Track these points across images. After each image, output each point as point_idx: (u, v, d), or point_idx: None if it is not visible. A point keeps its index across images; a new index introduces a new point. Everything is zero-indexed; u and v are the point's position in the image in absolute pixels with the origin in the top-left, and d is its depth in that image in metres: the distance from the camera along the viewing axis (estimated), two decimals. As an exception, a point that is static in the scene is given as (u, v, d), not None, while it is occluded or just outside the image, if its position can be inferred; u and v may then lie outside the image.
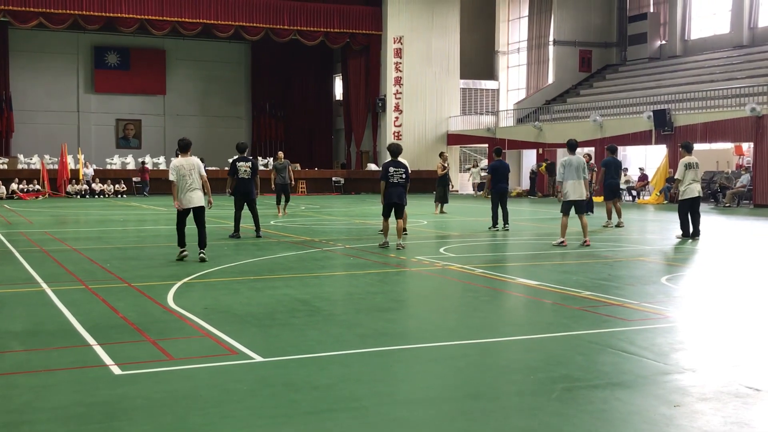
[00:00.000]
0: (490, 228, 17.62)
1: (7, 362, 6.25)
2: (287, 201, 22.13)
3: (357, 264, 12.24)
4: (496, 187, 17.64)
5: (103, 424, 4.73)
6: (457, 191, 42.52)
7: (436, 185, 23.96)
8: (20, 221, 20.66)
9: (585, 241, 14.43)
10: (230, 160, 15.48)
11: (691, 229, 15.77)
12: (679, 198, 15.94)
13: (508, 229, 17.48)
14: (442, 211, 23.27)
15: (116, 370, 5.90)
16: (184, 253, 12.22)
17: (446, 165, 23.56)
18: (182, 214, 12.23)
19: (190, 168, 12.06)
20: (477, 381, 5.74)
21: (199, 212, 12.23)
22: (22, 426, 4.71)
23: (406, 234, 15.63)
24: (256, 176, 15.78)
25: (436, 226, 19.22)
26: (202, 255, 12.08)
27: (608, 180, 19.43)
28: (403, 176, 13.55)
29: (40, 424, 4.74)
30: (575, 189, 14.36)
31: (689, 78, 35.40)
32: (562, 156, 38.38)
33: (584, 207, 14.88)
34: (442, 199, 23.40)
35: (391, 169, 13.52)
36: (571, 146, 14.71)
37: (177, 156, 12.30)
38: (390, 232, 14.06)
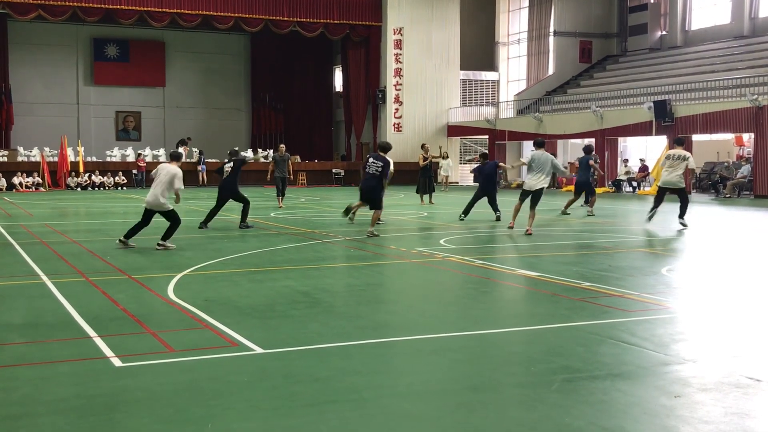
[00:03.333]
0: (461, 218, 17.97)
1: (7, 354, 6.25)
2: (283, 195, 22.19)
3: (357, 256, 12.24)
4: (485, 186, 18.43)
5: (103, 416, 4.73)
6: (458, 182, 42.51)
7: (419, 176, 24.20)
8: (20, 213, 20.66)
9: (510, 224, 15.43)
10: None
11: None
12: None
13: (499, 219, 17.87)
14: (431, 202, 23.54)
15: (116, 362, 5.90)
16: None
17: (427, 156, 23.82)
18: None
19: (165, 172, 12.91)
20: (477, 373, 5.74)
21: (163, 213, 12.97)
22: (23, 418, 4.72)
23: (381, 222, 16.35)
24: (239, 172, 16.50)
25: (436, 218, 19.22)
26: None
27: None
28: (379, 169, 14.51)
29: (41, 417, 4.75)
30: (531, 181, 15.10)
31: (690, 69, 35.32)
32: (561, 147, 38.49)
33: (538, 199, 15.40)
34: (424, 189, 23.68)
35: (370, 160, 14.60)
36: (539, 144, 15.59)
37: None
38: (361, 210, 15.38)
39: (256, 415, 4.79)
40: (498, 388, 5.36)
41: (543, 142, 15.84)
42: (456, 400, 5.09)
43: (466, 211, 18.18)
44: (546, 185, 15.23)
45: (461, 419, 4.74)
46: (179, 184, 12.75)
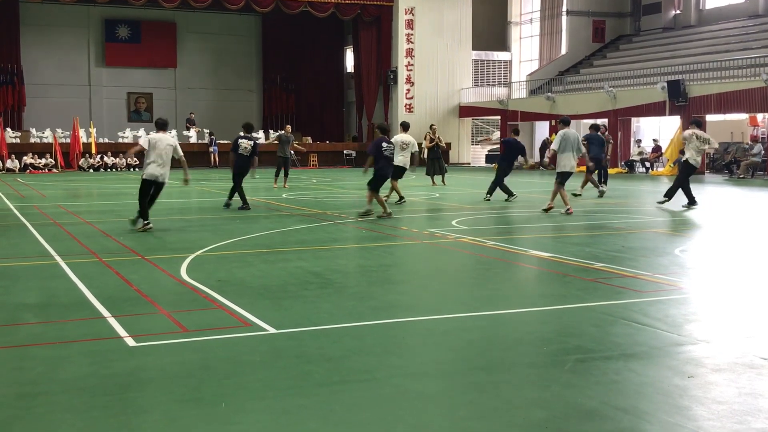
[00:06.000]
0: (507, 199, 17.95)
1: (22, 334, 6.30)
2: (287, 175, 22.22)
3: (369, 237, 12.24)
4: (508, 162, 18.36)
5: (117, 396, 4.76)
6: (469, 163, 42.43)
7: (426, 159, 24.08)
8: (33, 195, 20.75)
9: (568, 209, 15.07)
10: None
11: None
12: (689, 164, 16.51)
13: (488, 199, 18.17)
14: (443, 182, 23.48)
15: (130, 341, 5.93)
16: (149, 225, 12.43)
17: (434, 138, 23.69)
18: (147, 185, 12.51)
19: (166, 144, 12.49)
20: (489, 353, 5.74)
21: (160, 188, 12.64)
22: (37, 397, 4.75)
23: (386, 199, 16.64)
24: (255, 155, 16.16)
25: (448, 199, 19.19)
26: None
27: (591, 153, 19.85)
28: (392, 152, 14.81)
29: (55, 396, 4.78)
30: (570, 161, 15.23)
31: (704, 48, 35.00)
32: (573, 127, 38.29)
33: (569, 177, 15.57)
34: (434, 171, 23.54)
35: (385, 144, 14.47)
36: (566, 122, 15.64)
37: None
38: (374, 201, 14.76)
39: (269, 394, 4.81)
40: (510, 368, 5.36)
41: (569, 120, 15.83)
42: (468, 380, 5.10)
43: (509, 192, 18.16)
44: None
45: (473, 399, 4.74)
46: (180, 152, 12.68)
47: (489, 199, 18.07)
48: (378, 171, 14.39)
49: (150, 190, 12.53)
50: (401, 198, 17.27)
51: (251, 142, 16.00)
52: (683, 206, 16.14)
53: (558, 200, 15.32)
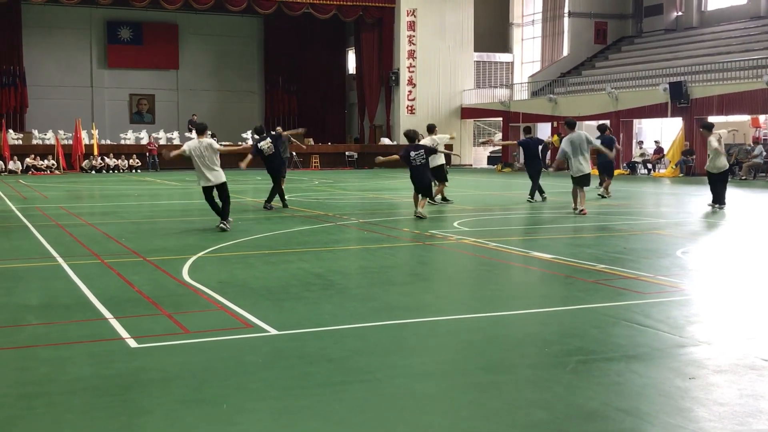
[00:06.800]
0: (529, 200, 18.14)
1: (24, 335, 6.30)
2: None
3: (371, 238, 12.24)
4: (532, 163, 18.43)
5: (118, 396, 4.77)
6: (471, 165, 42.44)
7: None
8: (35, 196, 20.77)
9: (582, 210, 15.09)
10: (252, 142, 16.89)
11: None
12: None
13: (531, 201, 18.13)
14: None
15: (132, 343, 5.93)
16: (223, 225, 12.61)
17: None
18: (205, 192, 12.91)
19: (205, 147, 12.62)
20: (490, 354, 5.74)
21: (221, 188, 12.76)
22: (39, 398, 4.76)
23: (435, 202, 17.13)
24: (279, 148, 16.86)
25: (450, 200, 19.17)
26: (222, 225, 12.60)
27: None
28: (424, 158, 14.59)
29: (57, 396, 4.79)
30: (582, 164, 15.18)
31: (706, 50, 34.99)
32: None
33: (588, 180, 15.56)
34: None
35: (412, 153, 14.50)
36: (571, 125, 15.56)
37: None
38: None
39: (270, 394, 4.82)
40: (511, 369, 5.36)
41: (574, 122, 15.77)
42: (469, 381, 5.10)
43: (532, 192, 18.12)
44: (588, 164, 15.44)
45: (474, 399, 4.74)
46: (218, 146, 12.82)
47: (532, 201, 18.05)
48: (412, 176, 14.54)
49: (210, 195, 12.83)
50: (444, 198, 17.72)
51: (268, 140, 16.49)
52: (710, 205, 16.22)
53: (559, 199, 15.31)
